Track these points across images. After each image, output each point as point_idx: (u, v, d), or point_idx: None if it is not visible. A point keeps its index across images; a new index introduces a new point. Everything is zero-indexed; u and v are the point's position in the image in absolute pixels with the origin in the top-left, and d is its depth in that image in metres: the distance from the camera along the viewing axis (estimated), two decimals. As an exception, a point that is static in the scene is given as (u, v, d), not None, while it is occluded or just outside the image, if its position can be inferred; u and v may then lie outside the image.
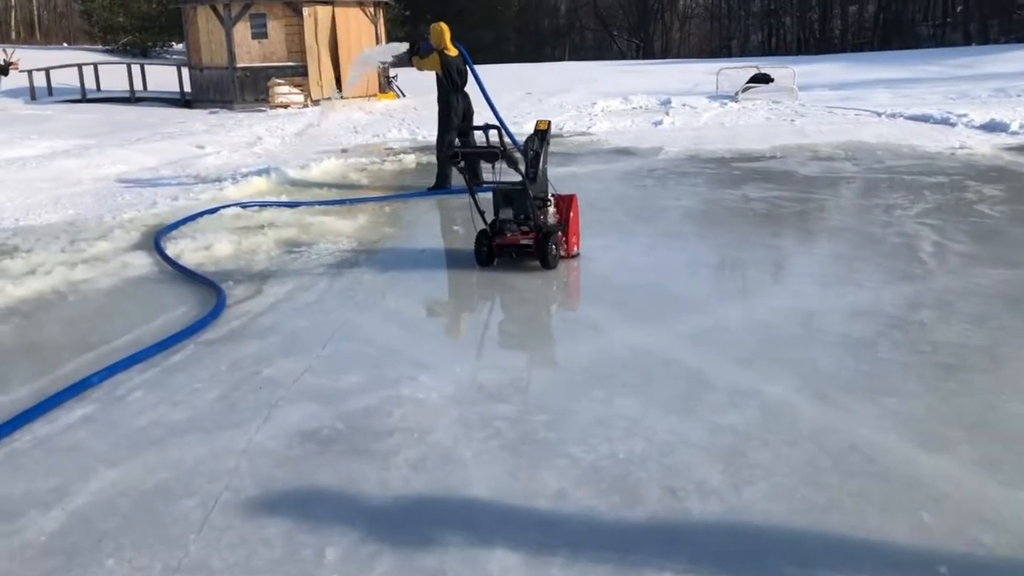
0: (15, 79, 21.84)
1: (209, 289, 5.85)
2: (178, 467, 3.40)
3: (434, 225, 8.10)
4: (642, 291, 5.52)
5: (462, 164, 5.93)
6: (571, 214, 6.32)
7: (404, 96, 22.28)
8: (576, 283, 5.82)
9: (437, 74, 9.55)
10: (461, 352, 4.58)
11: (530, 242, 6.05)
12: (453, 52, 9.55)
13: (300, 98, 19.82)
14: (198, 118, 18.59)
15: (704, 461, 3.28)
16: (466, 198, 9.30)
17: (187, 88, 22.01)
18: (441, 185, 9.57)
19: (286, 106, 19.53)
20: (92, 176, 10.88)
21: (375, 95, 21.68)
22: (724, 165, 10.46)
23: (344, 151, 13.18)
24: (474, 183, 6.12)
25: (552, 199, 6.28)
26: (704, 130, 14.28)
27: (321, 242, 7.16)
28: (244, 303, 5.56)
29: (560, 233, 6.15)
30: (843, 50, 45.99)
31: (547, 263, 5.99)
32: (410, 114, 18.73)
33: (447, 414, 3.77)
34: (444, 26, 9.55)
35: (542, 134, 6.35)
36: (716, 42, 56.27)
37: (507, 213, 6.02)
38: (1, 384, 4.32)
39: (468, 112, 9.76)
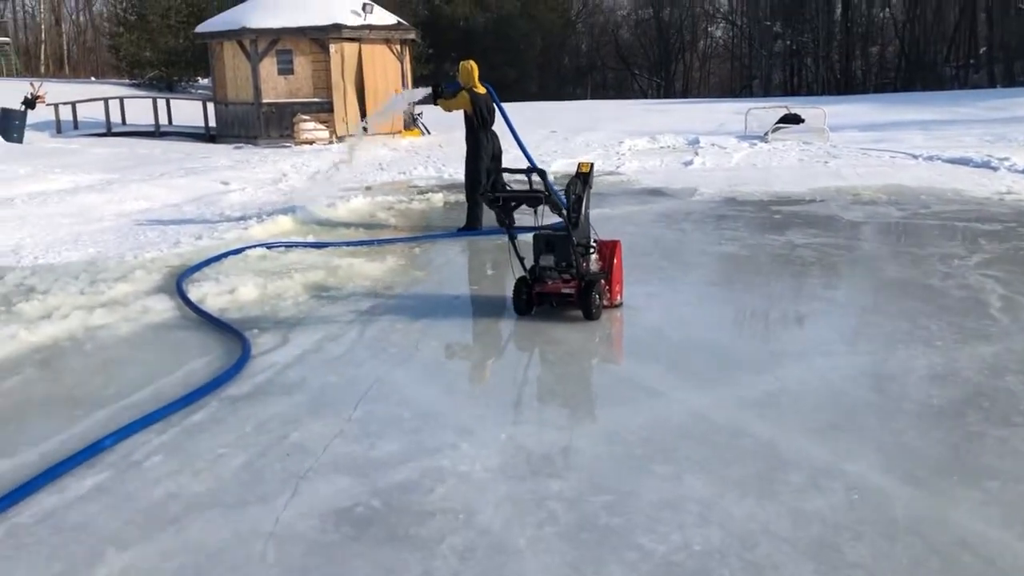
0: (42, 112, 21.94)
1: (233, 337, 5.53)
2: (198, 551, 3.03)
3: (466, 269, 7.78)
4: (696, 347, 5.14)
5: (501, 205, 5.60)
6: (615, 261, 5.97)
7: (429, 133, 22.12)
8: (623, 337, 5.45)
9: (466, 112, 9.34)
10: (504, 415, 4.21)
11: (572, 291, 5.70)
12: (481, 90, 9.35)
13: (325, 134, 19.68)
14: (222, 153, 18.46)
15: (793, 557, 2.88)
16: (498, 240, 9.11)
17: (212, 123, 21.95)
18: (471, 226, 9.30)
19: (311, 142, 19.39)
20: (115, 212, 10.65)
21: (400, 132, 21.53)
22: (763, 208, 10.10)
23: (368, 188, 12.93)
24: (509, 226, 5.78)
25: (595, 245, 5.94)
26: (737, 171, 13.93)
27: (349, 286, 6.85)
28: (270, 354, 5.23)
29: (603, 281, 5.80)
30: (865, 91, 45.74)
31: (590, 314, 5.63)
32: (435, 151, 18.52)
33: (494, 491, 3.40)
34: (473, 64, 9.39)
35: (584, 177, 6.01)
36: (737, 81, 56.21)
37: (548, 260, 5.68)
38: (7, 446, 3.99)
39: (497, 151, 9.53)
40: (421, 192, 12.31)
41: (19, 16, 58.29)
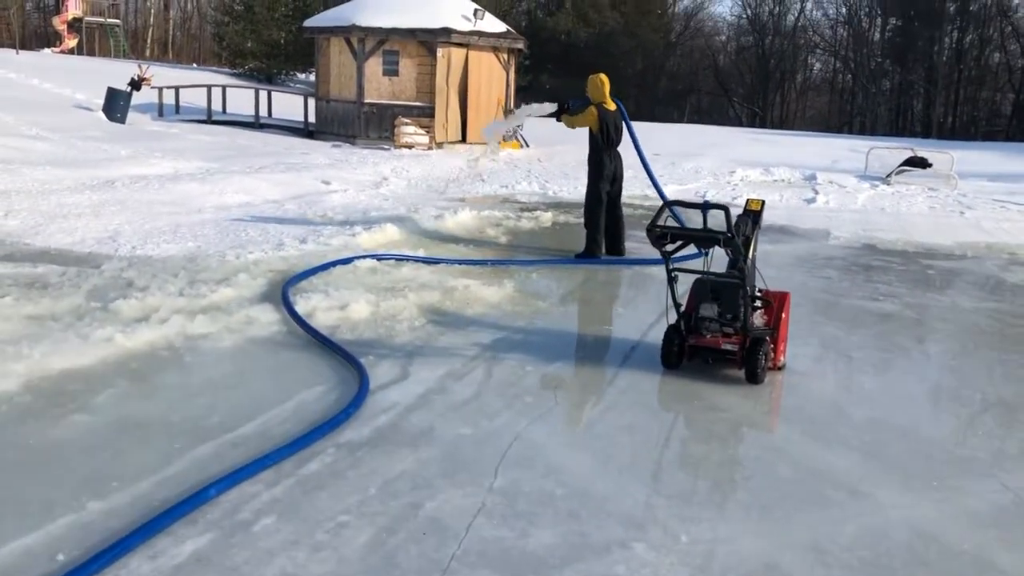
0: (146, 94, 22.02)
1: (347, 363, 4.91)
2: (326, 672, 2.37)
3: (594, 304, 7.07)
4: (888, 433, 4.32)
5: (669, 248, 4.86)
6: (783, 316, 5.18)
7: (527, 146, 21.52)
8: (795, 410, 4.64)
9: (591, 130, 8.63)
10: (678, 506, 3.46)
11: (735, 347, 4.93)
12: (611, 106, 8.63)
13: (425, 139, 19.22)
14: (321, 150, 18.13)
15: None
16: (621, 272, 8.39)
17: (311, 118, 21.72)
18: (591, 253, 8.59)
19: (411, 147, 18.94)
20: (214, 204, 10.24)
21: (499, 142, 20.95)
22: (911, 261, 9.15)
23: (464, 200, 12.32)
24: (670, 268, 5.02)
25: (760, 296, 5.17)
26: (865, 214, 12.93)
27: (468, 312, 6.19)
28: (389, 389, 4.59)
29: (769, 339, 5.01)
30: (974, 137, 43.70)
31: (755, 377, 4.86)
32: (535, 166, 17.89)
33: (692, 621, 2.66)
34: (604, 78, 8.65)
35: (755, 216, 5.26)
36: (836, 116, 54.46)
37: (710, 310, 4.92)
38: (99, 480, 3.41)
39: (619, 173, 8.81)
40: (527, 209, 11.66)
41: (130, 0, 59.90)
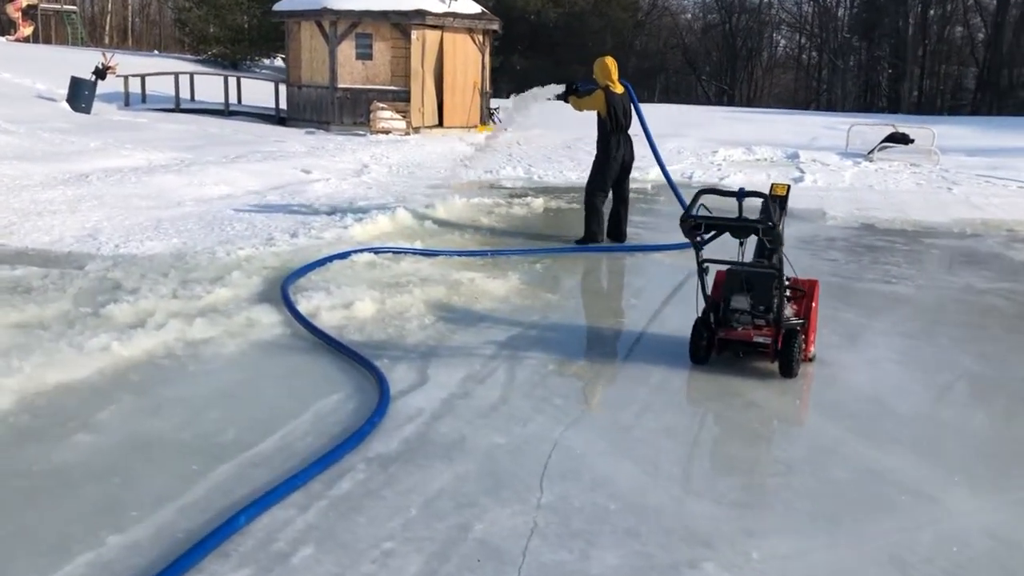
0: (110, 83, 21.35)
1: (361, 367, 4.64)
2: None
3: (605, 295, 6.85)
4: (937, 428, 4.15)
5: (704, 238, 4.63)
6: (813, 305, 4.99)
7: (506, 130, 21.20)
8: (835, 405, 4.44)
9: (599, 114, 8.33)
10: (740, 517, 3.25)
11: (767, 340, 4.73)
12: (619, 89, 8.36)
13: (402, 124, 18.83)
14: (295, 138, 17.68)
15: None
16: (625, 259, 8.15)
17: (282, 105, 21.21)
18: (592, 239, 8.36)
19: (387, 132, 18.55)
20: (194, 197, 9.85)
21: (476, 126, 20.64)
22: (914, 240, 9.02)
23: (450, 186, 12.03)
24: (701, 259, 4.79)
25: (792, 285, 4.97)
26: (854, 192, 12.82)
27: (477, 307, 5.93)
28: (410, 396, 4.33)
29: (800, 330, 4.81)
30: (940, 112, 44.02)
31: (790, 370, 4.66)
32: (515, 149, 17.58)
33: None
34: (611, 61, 8.35)
35: (782, 201, 5.05)
36: (802, 93, 54.61)
37: (742, 302, 4.70)
38: (114, 510, 3.12)
39: (628, 157, 8.53)
40: (516, 195, 11.38)
41: (87, -15, 58.45)
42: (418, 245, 7.65)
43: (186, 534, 2.98)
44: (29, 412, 3.95)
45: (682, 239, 4.90)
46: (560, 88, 8.51)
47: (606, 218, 8.48)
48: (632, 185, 8.92)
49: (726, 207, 4.77)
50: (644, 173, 12.58)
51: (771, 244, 4.58)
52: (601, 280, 7.24)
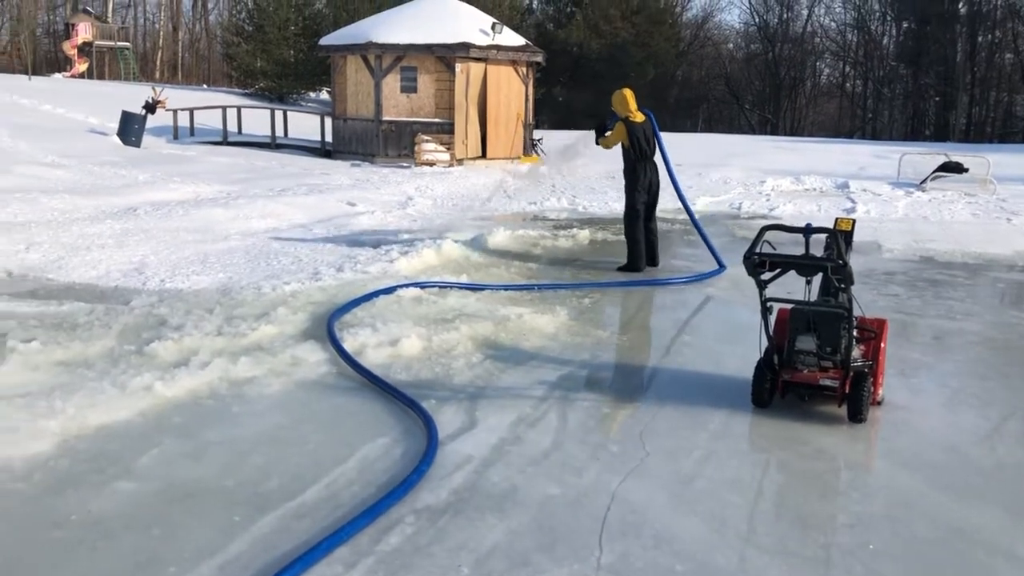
0: (159, 117, 21.74)
1: (408, 408, 4.48)
2: None
3: (657, 332, 6.62)
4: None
5: (766, 276, 4.42)
6: (881, 345, 4.73)
7: (546, 157, 21.13)
8: (915, 455, 4.16)
9: (622, 144, 8.46)
10: (815, 578, 3.01)
11: (834, 383, 4.48)
12: (639, 118, 8.57)
13: (446, 156, 18.84)
14: (340, 170, 17.77)
15: None
16: (679, 293, 7.95)
17: (327, 137, 21.38)
18: (633, 267, 8.35)
19: (431, 164, 18.56)
20: (240, 230, 9.85)
21: (519, 157, 20.59)
22: (975, 274, 8.68)
23: (492, 218, 11.90)
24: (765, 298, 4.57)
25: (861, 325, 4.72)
26: (909, 223, 12.45)
27: (525, 345, 5.75)
28: (458, 440, 4.15)
29: (869, 373, 4.55)
30: (990, 140, 43.12)
31: (860, 415, 4.41)
32: (559, 180, 17.47)
33: None
34: (628, 92, 8.63)
35: (847, 236, 4.82)
36: (847, 121, 53.92)
37: (807, 343, 4.46)
38: (150, 566, 2.98)
39: (654, 184, 8.68)
40: (561, 227, 11.23)
41: (139, 23, 60.08)
42: (464, 279, 7.51)
43: (227, 594, 2.83)
44: (69, 456, 3.84)
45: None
46: (592, 134, 8.71)
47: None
48: (673, 216, 8.86)
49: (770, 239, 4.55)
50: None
51: (841, 282, 4.35)
52: (653, 316, 7.03)
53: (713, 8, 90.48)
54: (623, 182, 8.87)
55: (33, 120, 21.68)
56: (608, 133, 8.59)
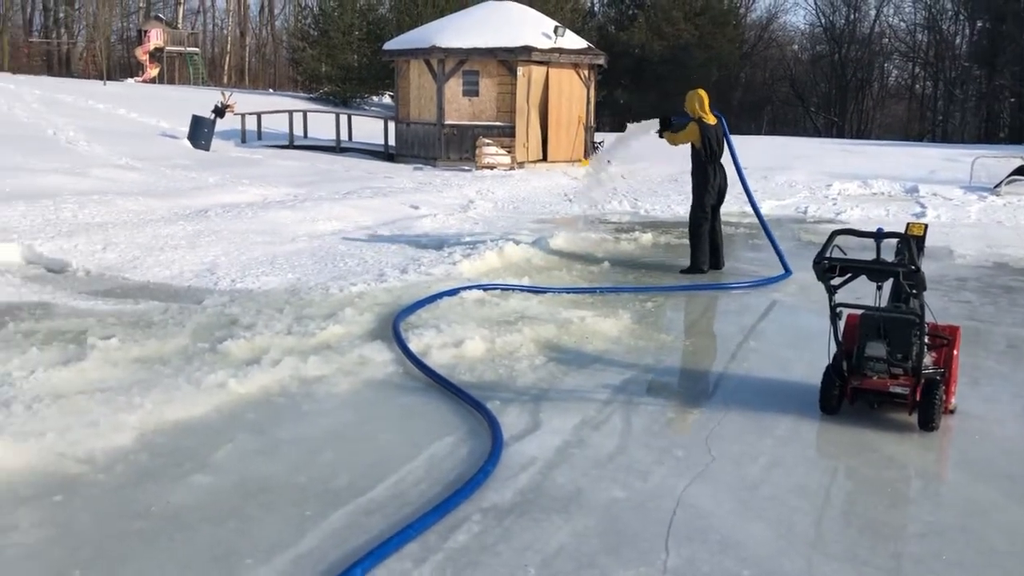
0: (228, 121, 22.27)
1: (473, 409, 4.53)
2: None
3: (722, 336, 6.57)
4: (1107, 494, 3.74)
5: (836, 281, 4.37)
6: (954, 353, 4.63)
7: (609, 163, 21.08)
8: (990, 464, 4.06)
9: (693, 145, 8.46)
10: (887, 588, 2.97)
11: (905, 390, 4.40)
12: (712, 120, 8.48)
13: (507, 159, 18.94)
14: (403, 174, 17.99)
15: None
16: (743, 298, 7.90)
17: (391, 141, 21.65)
18: (697, 268, 8.43)
19: (492, 167, 18.68)
20: (307, 232, 10.04)
21: (580, 160, 20.58)
22: (1054, 281, 8.42)
23: (552, 221, 11.92)
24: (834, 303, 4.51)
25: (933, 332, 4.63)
26: (983, 228, 12.12)
27: (588, 349, 5.77)
28: (523, 441, 4.19)
29: (941, 380, 4.46)
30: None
31: (931, 423, 4.32)
32: (620, 183, 17.42)
33: None
34: (703, 92, 8.64)
35: (919, 242, 4.73)
36: (916, 123, 52.59)
37: (878, 349, 4.39)
38: (229, 559, 3.07)
39: (722, 187, 8.70)
40: (623, 230, 11.21)
41: (208, 28, 61.56)
42: (526, 282, 7.55)
43: (301, 587, 2.91)
44: (148, 450, 3.98)
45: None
46: (655, 124, 8.67)
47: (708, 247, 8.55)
48: (738, 220, 8.80)
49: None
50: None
51: (913, 288, 4.27)
52: (717, 320, 6.98)
53: (778, 9, 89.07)
54: (690, 184, 8.86)
55: (108, 124, 22.40)
56: (673, 127, 8.57)
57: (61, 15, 54.18)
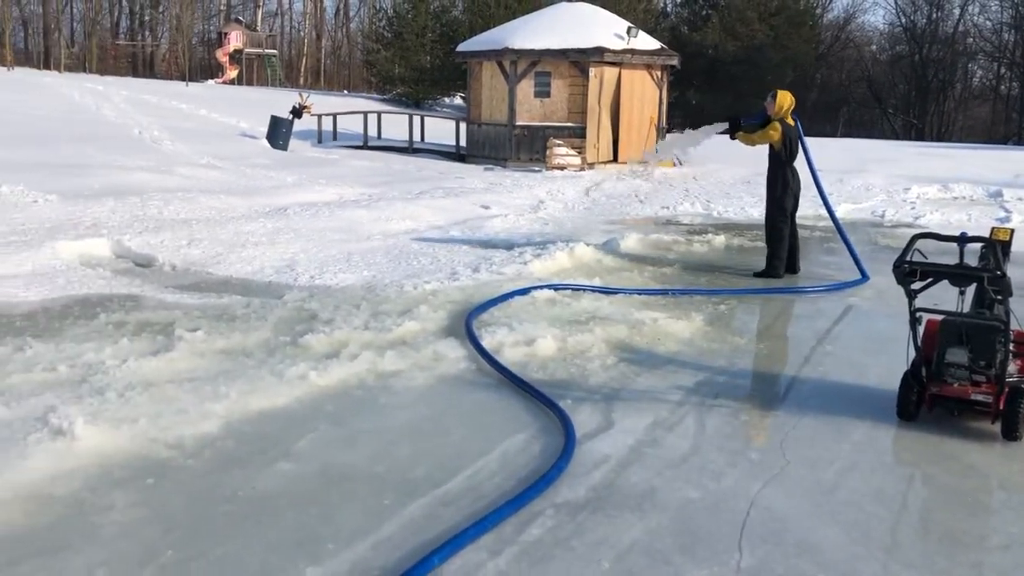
0: (304, 122, 22.77)
1: (545, 407, 4.59)
2: None
3: (797, 340, 6.50)
4: None
5: (917, 285, 4.31)
6: (1040, 361, 4.52)
7: (680, 164, 20.93)
8: (1071, 474, 3.97)
9: (772, 146, 8.35)
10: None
11: (987, 398, 4.31)
12: (792, 123, 8.32)
13: (577, 160, 18.96)
14: (474, 174, 18.16)
15: None
16: (819, 302, 7.80)
17: (462, 142, 21.87)
18: (773, 272, 8.33)
19: (562, 168, 18.72)
20: (382, 231, 10.24)
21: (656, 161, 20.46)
22: None
23: (624, 222, 11.90)
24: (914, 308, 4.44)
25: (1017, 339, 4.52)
26: (1072, 235, 11.68)
27: (660, 350, 5.77)
28: (595, 440, 4.23)
29: (1025, 388, 4.36)
30: None
31: (1015, 432, 4.23)
32: (691, 184, 17.30)
33: None
34: (789, 94, 8.36)
35: (1004, 247, 4.62)
36: (1001, 127, 50.80)
37: (959, 355, 4.31)
38: (313, 541, 3.18)
39: (799, 189, 8.61)
40: (695, 232, 11.13)
41: (285, 31, 62.95)
42: (597, 282, 7.58)
43: (381, 572, 3.00)
44: (234, 437, 4.13)
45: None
46: (724, 125, 8.56)
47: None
48: (812, 223, 8.67)
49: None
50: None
51: (998, 294, 4.19)
52: (792, 324, 6.90)
53: (856, 9, 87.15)
54: (763, 186, 8.78)
55: (190, 124, 23.12)
56: (745, 128, 8.44)
57: (146, 18, 56.03)
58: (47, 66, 43.91)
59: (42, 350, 5.23)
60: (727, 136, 8.74)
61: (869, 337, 6.38)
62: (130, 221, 9.74)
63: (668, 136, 17.75)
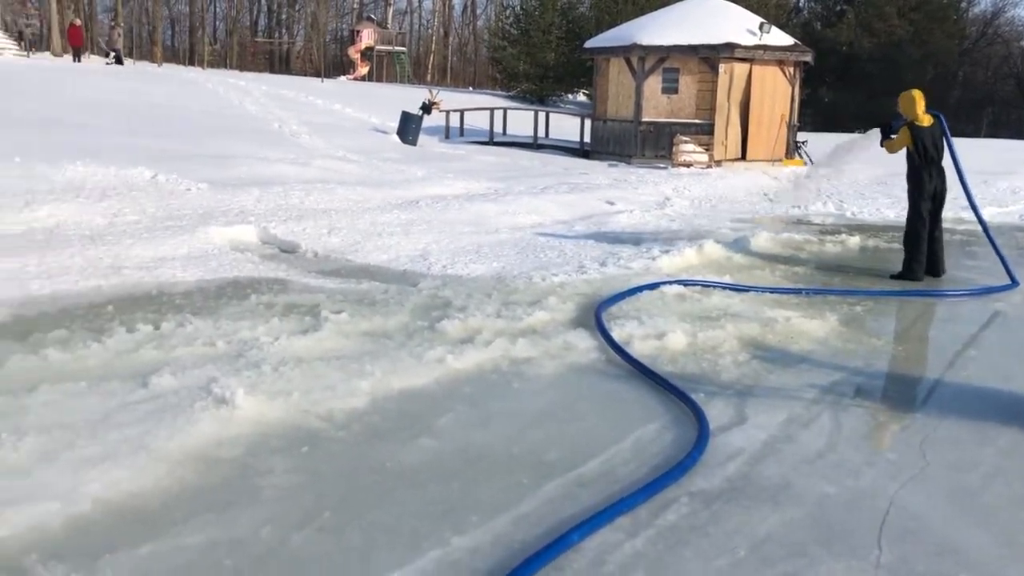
0: (432, 118, 23.31)
1: (677, 400, 4.63)
2: None
3: (938, 344, 6.32)
4: None
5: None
6: None
7: (811, 163, 20.37)
8: None
9: (908, 148, 8.11)
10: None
11: None
12: (926, 121, 8.24)
13: (704, 157, 18.73)
14: (598, 170, 18.20)
15: None
16: (961, 306, 7.48)
17: (586, 138, 21.93)
18: (910, 275, 8.07)
19: (689, 165, 18.55)
20: (509, 224, 10.44)
21: (781, 160, 20.01)
22: None
23: (754, 220, 11.70)
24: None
25: None
26: None
27: (794, 348, 5.71)
28: (729, 433, 4.25)
29: None
30: None
31: None
32: (823, 184, 16.81)
33: None
34: (917, 94, 8.25)
35: None
36: None
37: (1119, 365, 4.12)
38: (456, 512, 3.35)
39: (940, 192, 8.31)
40: (828, 232, 10.87)
41: (414, 28, 64.41)
42: (727, 279, 7.54)
43: (522, 545, 3.13)
44: (379, 413, 4.36)
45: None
46: (876, 133, 8.42)
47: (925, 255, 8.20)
48: (952, 225, 8.35)
49: None
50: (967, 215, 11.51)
51: None
52: (931, 326, 6.70)
53: (1005, 2, 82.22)
54: (898, 187, 8.52)
55: (325, 119, 24.01)
56: (893, 135, 8.27)
57: (283, 16, 58.40)
58: (191, 62, 46.44)
59: (201, 326, 5.62)
60: (881, 145, 8.53)
61: (1017, 343, 6.14)
62: (274, 210, 10.26)
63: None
